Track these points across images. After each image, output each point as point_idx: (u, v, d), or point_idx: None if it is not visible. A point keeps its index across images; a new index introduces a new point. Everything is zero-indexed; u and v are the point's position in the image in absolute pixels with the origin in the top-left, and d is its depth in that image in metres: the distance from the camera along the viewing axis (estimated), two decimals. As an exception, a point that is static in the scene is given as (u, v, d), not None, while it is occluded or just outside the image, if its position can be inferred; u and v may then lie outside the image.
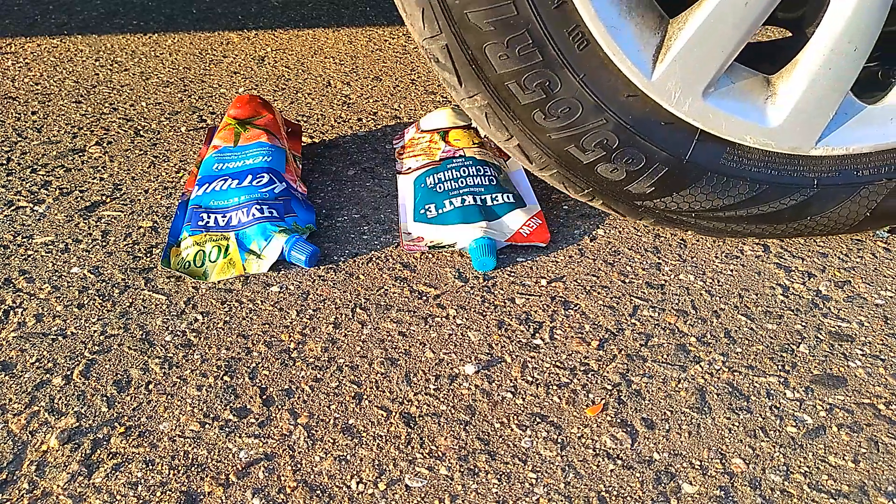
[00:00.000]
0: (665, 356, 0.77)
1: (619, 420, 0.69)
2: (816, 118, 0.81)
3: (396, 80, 1.51)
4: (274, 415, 0.70)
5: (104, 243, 0.95)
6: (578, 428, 0.69)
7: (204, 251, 0.89)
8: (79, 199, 1.05)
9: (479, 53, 0.76)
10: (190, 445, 0.66)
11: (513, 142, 0.84)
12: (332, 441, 0.67)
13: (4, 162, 1.15)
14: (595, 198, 0.90)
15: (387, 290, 0.87)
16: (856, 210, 0.89)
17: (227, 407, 0.71)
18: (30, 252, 0.93)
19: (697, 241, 0.96)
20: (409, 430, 0.68)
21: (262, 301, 0.85)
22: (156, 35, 1.77)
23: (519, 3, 0.73)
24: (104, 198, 1.05)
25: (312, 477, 0.64)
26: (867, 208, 0.88)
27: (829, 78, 0.78)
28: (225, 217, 0.93)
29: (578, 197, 0.90)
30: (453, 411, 0.70)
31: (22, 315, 0.82)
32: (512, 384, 0.74)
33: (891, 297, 0.86)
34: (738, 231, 0.91)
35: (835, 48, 0.76)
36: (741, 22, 0.75)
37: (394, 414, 0.70)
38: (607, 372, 0.75)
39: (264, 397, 0.72)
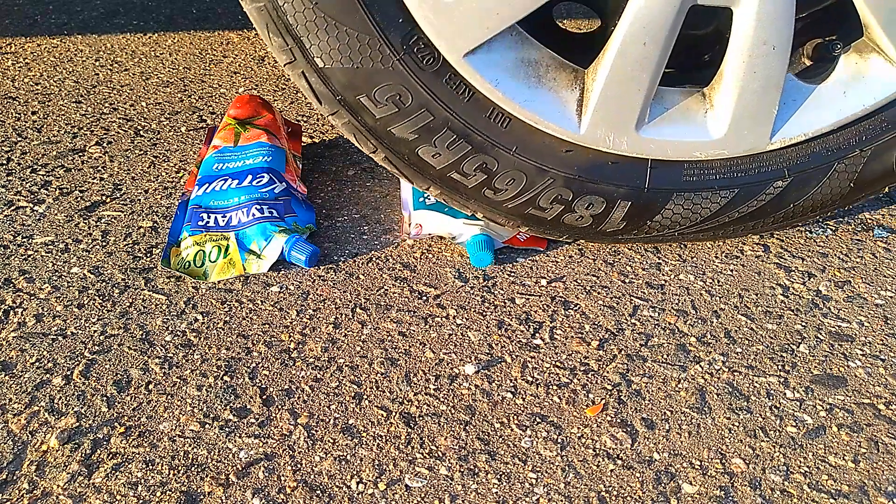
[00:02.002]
0: (665, 356, 0.77)
1: (619, 420, 0.69)
2: (761, 116, 0.81)
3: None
4: (274, 415, 0.70)
5: (104, 243, 0.95)
6: (578, 428, 0.69)
7: (204, 251, 0.89)
8: (79, 199, 1.05)
9: (416, 157, 0.82)
10: (190, 445, 0.66)
11: (479, 216, 0.89)
12: (332, 441, 0.67)
13: (4, 162, 1.15)
14: (578, 240, 0.93)
15: (387, 290, 0.87)
16: (838, 185, 0.88)
17: (228, 407, 0.71)
18: (30, 252, 0.93)
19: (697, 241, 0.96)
20: (409, 430, 0.68)
21: (262, 301, 0.85)
22: (156, 35, 1.77)
23: (434, 109, 0.78)
24: (104, 198, 1.05)
25: (312, 477, 0.64)
26: (850, 181, 0.88)
27: (758, 79, 0.78)
28: (225, 217, 0.93)
29: (562, 239, 0.92)
30: (453, 411, 0.70)
31: (22, 315, 0.82)
32: (512, 384, 0.74)
33: (891, 297, 0.86)
34: (730, 233, 0.92)
35: (752, 52, 0.76)
36: (647, 60, 0.76)
37: (394, 414, 0.70)
38: (607, 372, 0.75)
39: (264, 397, 0.72)
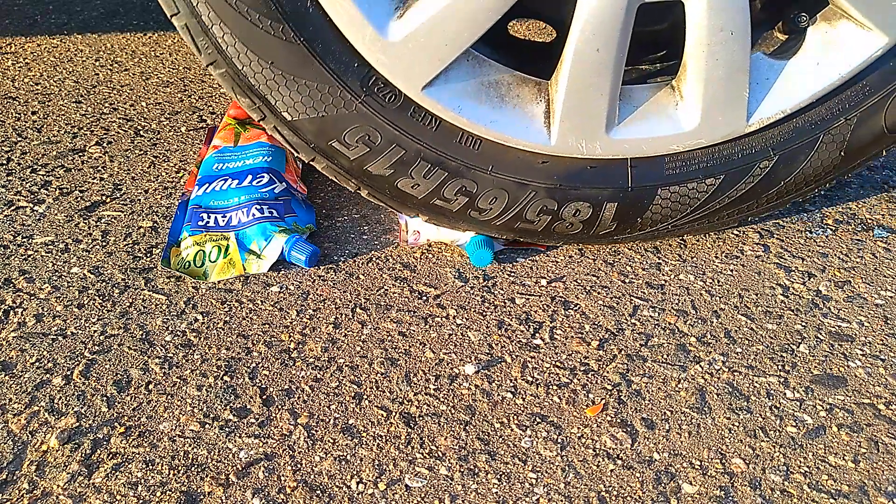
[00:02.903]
0: (665, 356, 0.77)
1: (619, 420, 0.69)
2: (732, 101, 0.81)
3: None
4: (274, 415, 0.70)
5: (104, 243, 0.95)
6: (578, 428, 0.69)
7: (204, 251, 0.89)
8: (79, 199, 1.05)
9: (397, 190, 0.84)
10: (190, 445, 0.66)
11: (474, 232, 0.91)
12: (332, 441, 0.67)
13: (4, 162, 1.15)
14: (577, 244, 0.93)
15: (387, 290, 0.87)
16: (828, 156, 0.87)
17: (227, 407, 0.71)
18: (30, 252, 0.93)
19: (697, 241, 0.96)
20: (409, 430, 0.68)
21: (262, 301, 0.85)
22: (156, 35, 1.77)
23: (404, 142, 0.80)
24: (104, 198, 1.05)
25: (312, 477, 0.64)
26: (839, 150, 0.87)
27: (721, 66, 0.78)
28: (225, 217, 0.93)
29: (561, 244, 0.93)
30: (453, 411, 0.70)
31: (22, 315, 0.82)
32: (512, 384, 0.74)
33: (891, 297, 0.86)
34: (727, 219, 0.91)
35: (711, 40, 0.76)
36: (603, 65, 0.76)
37: (394, 414, 0.70)
38: (607, 372, 0.75)
39: (264, 397, 0.72)
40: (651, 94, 0.83)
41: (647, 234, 0.90)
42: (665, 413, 0.70)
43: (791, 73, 0.82)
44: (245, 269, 0.89)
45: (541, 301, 0.85)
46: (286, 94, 0.76)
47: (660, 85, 0.83)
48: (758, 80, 0.81)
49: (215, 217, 0.93)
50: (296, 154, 0.83)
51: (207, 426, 0.68)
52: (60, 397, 0.71)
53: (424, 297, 0.86)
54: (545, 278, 0.89)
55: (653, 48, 1.02)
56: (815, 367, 0.76)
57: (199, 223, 0.92)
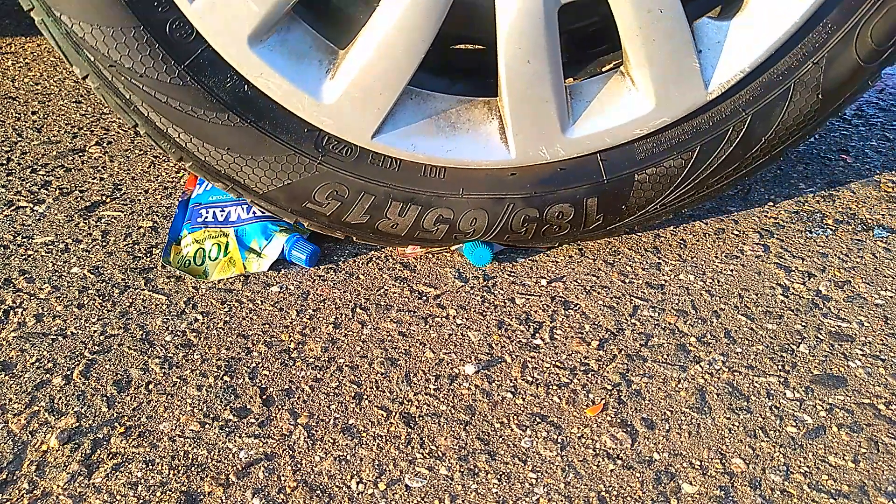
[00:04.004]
0: (665, 356, 0.77)
1: (619, 420, 0.69)
2: (685, 74, 0.79)
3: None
4: (274, 415, 0.70)
5: (104, 243, 0.95)
6: (578, 428, 0.69)
7: (203, 249, 0.89)
8: (79, 199, 1.05)
9: (381, 233, 0.86)
10: (190, 445, 0.66)
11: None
12: (332, 441, 0.67)
13: (4, 162, 1.15)
14: (573, 242, 0.94)
15: (387, 290, 0.87)
16: (805, 103, 0.85)
17: (228, 407, 0.71)
18: (30, 252, 0.93)
19: (697, 241, 0.96)
20: (409, 430, 0.68)
21: (262, 301, 0.85)
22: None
23: (371, 189, 0.82)
24: (104, 198, 1.05)
25: (312, 477, 0.64)
26: (815, 94, 0.84)
27: (661, 44, 0.77)
28: (224, 211, 0.93)
29: (564, 244, 0.94)
30: (453, 411, 0.70)
31: (22, 315, 0.82)
32: (512, 384, 0.74)
33: (891, 297, 0.86)
34: (717, 185, 0.89)
35: (641, 23, 0.75)
36: (538, 75, 0.76)
37: (394, 414, 0.70)
38: (607, 372, 0.75)
39: (264, 397, 0.72)
40: (602, 87, 0.82)
41: (639, 218, 0.89)
42: (665, 413, 0.70)
43: (740, 32, 0.80)
44: (245, 268, 0.89)
45: (541, 301, 0.85)
46: (250, 172, 0.80)
47: (608, 75, 0.82)
48: (708, 45, 0.80)
49: (213, 212, 0.93)
50: (280, 218, 0.87)
51: (207, 426, 0.68)
52: (60, 397, 0.71)
53: (424, 297, 0.86)
54: (545, 278, 0.89)
55: (601, 40, 1.01)
56: (815, 367, 0.76)
57: (199, 219, 0.92)
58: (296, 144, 0.79)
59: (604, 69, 0.87)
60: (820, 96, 0.84)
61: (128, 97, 0.75)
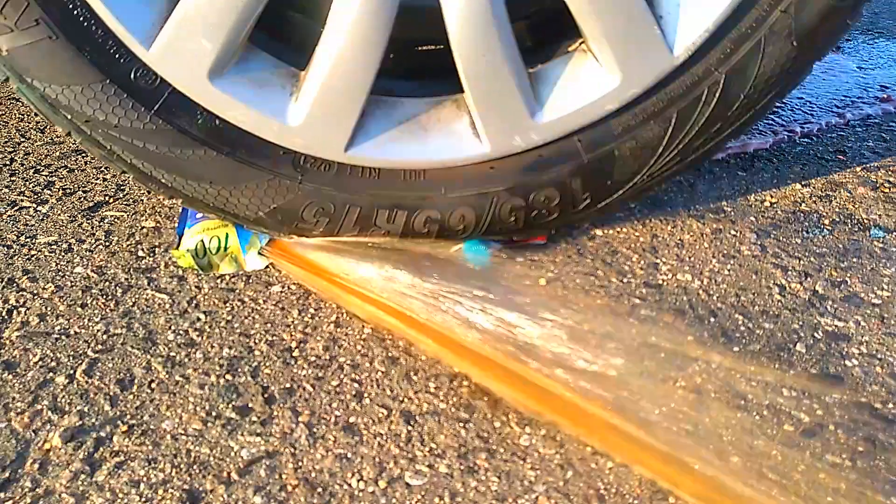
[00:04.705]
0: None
1: (617, 418, 0.70)
2: (645, 42, 0.78)
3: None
4: (275, 413, 0.70)
5: (107, 243, 0.96)
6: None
7: (204, 242, 0.89)
8: (82, 199, 1.06)
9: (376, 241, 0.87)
10: (192, 443, 0.67)
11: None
12: (333, 439, 0.68)
13: (8, 162, 1.16)
14: (565, 223, 0.93)
15: (387, 289, 0.88)
16: (780, 53, 0.81)
17: (230, 405, 0.71)
18: (33, 252, 0.94)
19: (695, 241, 0.97)
20: (410, 428, 0.69)
21: (263, 300, 0.86)
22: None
23: (356, 200, 0.83)
24: (107, 198, 1.06)
25: (314, 475, 0.64)
26: (789, 41, 0.80)
27: (614, 18, 0.76)
28: None
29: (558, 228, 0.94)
30: (453, 409, 0.71)
31: (25, 314, 0.83)
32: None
33: (887, 296, 0.87)
34: (704, 147, 0.87)
35: (589, 0, 0.75)
36: (498, 68, 0.76)
37: (394, 412, 0.71)
38: (606, 371, 0.76)
39: (266, 396, 0.72)
40: (565, 68, 0.82)
41: (630, 192, 0.88)
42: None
43: None
44: (246, 263, 0.89)
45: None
46: (237, 201, 0.82)
47: (570, 55, 0.82)
48: (668, 9, 0.78)
49: None
50: (276, 237, 0.88)
51: (210, 424, 0.69)
52: (63, 396, 0.72)
53: (424, 297, 0.86)
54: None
55: (562, 22, 1.00)
56: (812, 366, 0.76)
57: (198, 214, 0.93)
58: (274, 168, 0.81)
59: (570, 50, 0.85)
60: (794, 44, 0.81)
61: (109, 148, 0.78)
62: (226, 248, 0.89)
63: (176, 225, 0.96)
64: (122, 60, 0.74)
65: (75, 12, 0.72)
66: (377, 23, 0.73)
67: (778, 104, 1.40)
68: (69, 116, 0.76)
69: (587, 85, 0.81)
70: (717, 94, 0.83)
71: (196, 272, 0.89)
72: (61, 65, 0.73)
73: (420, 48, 1.07)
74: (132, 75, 0.75)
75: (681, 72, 0.82)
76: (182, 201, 0.83)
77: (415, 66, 1.02)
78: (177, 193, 0.82)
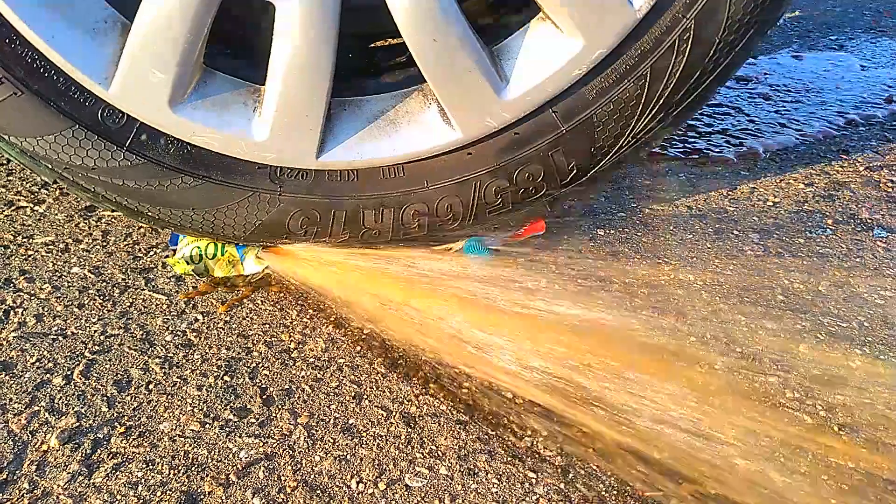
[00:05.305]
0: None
1: (618, 420, 0.70)
2: (603, 3, 0.76)
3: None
4: (274, 414, 0.70)
5: (104, 243, 0.95)
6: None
7: (199, 247, 0.89)
8: (79, 199, 1.05)
9: (367, 243, 0.87)
10: (190, 445, 0.67)
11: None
12: (332, 441, 0.67)
13: (5, 162, 1.15)
14: (557, 195, 0.90)
15: (387, 289, 0.87)
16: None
17: (228, 407, 0.71)
18: (30, 252, 0.93)
19: (697, 241, 0.96)
20: (409, 429, 0.69)
21: (261, 301, 0.85)
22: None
23: (339, 204, 0.83)
24: (104, 198, 1.06)
25: (313, 476, 0.64)
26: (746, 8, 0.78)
27: None
28: None
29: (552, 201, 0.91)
30: (453, 411, 0.71)
31: (22, 315, 0.82)
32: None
33: (890, 296, 0.86)
34: (690, 103, 0.84)
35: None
36: (454, 51, 0.75)
37: (394, 414, 0.70)
38: (607, 372, 0.75)
39: (264, 397, 0.72)
40: (525, 39, 0.80)
41: (616, 156, 0.86)
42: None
43: None
44: (244, 268, 0.89)
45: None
46: (224, 220, 0.83)
47: (529, 26, 0.80)
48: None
49: None
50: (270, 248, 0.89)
51: (208, 426, 0.69)
52: (61, 397, 0.71)
53: (424, 297, 0.86)
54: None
55: None
56: (815, 367, 0.76)
57: None
58: (254, 184, 0.81)
59: (529, 20, 0.83)
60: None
61: (93, 190, 0.79)
62: (223, 253, 0.89)
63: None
64: (86, 104, 0.75)
65: (34, 65, 0.73)
66: (322, 21, 0.72)
67: (780, 104, 1.40)
68: (49, 166, 0.77)
69: (550, 53, 0.79)
70: (690, 41, 0.80)
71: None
72: (31, 118, 0.74)
73: (376, 43, 1.07)
74: (99, 116, 0.75)
75: (646, 24, 0.79)
76: (173, 230, 0.85)
77: (376, 61, 1.02)
78: (166, 224, 0.82)
